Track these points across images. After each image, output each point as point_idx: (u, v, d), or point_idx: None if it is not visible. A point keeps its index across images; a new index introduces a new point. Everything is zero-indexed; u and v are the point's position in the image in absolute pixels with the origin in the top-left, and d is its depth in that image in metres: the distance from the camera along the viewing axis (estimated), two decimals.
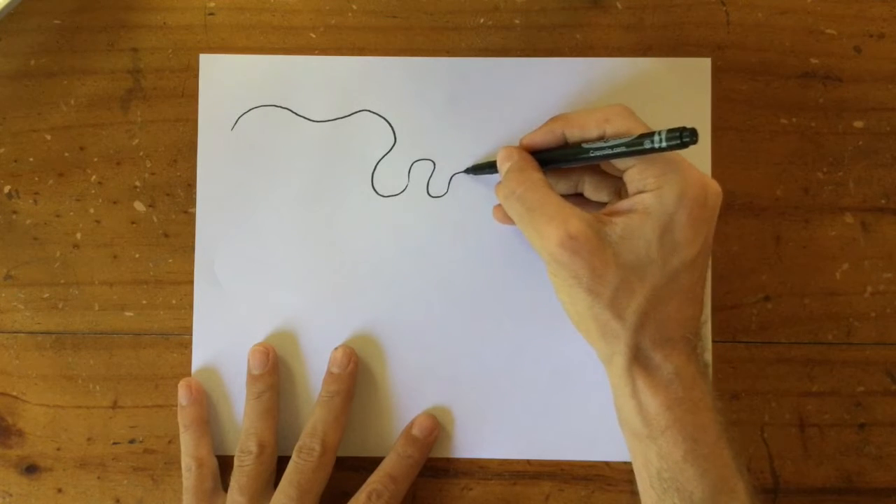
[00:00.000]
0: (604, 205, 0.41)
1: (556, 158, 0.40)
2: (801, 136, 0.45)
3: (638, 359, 0.37)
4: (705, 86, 0.44)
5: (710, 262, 0.39)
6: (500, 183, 0.40)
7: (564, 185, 0.42)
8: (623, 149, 0.36)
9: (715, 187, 0.37)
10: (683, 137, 0.34)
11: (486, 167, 0.43)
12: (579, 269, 0.36)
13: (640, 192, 0.37)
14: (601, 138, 0.38)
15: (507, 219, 0.41)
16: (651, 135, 0.35)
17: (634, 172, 0.37)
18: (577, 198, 0.42)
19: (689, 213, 0.36)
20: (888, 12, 0.45)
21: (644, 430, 0.37)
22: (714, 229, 0.38)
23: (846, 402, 0.44)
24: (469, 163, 0.44)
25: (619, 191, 0.40)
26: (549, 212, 0.37)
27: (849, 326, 0.45)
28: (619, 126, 0.37)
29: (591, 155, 0.38)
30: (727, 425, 0.37)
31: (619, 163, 0.38)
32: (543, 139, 0.40)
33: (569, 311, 0.38)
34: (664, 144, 0.35)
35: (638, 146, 0.36)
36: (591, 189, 0.41)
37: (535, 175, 0.39)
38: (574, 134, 0.39)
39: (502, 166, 0.40)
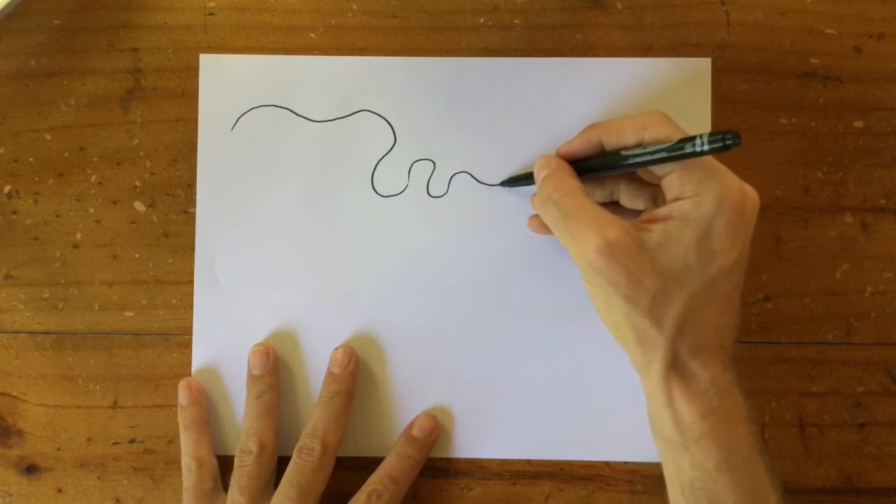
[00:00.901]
0: (640, 213, 0.40)
1: (594, 167, 0.40)
2: (801, 136, 0.45)
3: (675, 367, 0.36)
4: (705, 86, 0.44)
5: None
6: (536, 191, 0.40)
7: (600, 194, 0.42)
8: (663, 154, 0.36)
9: (753, 194, 0.37)
10: (726, 140, 0.34)
11: (522, 178, 0.43)
12: (616, 276, 0.36)
13: (679, 198, 0.36)
14: (639, 145, 0.38)
15: (543, 228, 0.41)
16: (692, 139, 0.35)
17: (673, 179, 0.37)
18: (612, 206, 0.42)
19: (728, 220, 0.36)
20: (888, 12, 0.45)
21: (678, 439, 0.37)
22: (751, 236, 0.37)
23: (846, 402, 0.44)
24: (469, 164, 0.44)
25: (656, 198, 0.40)
26: (586, 218, 0.37)
27: (849, 326, 0.45)
28: (657, 132, 0.37)
29: (630, 162, 0.37)
30: (761, 436, 0.37)
31: (657, 169, 0.37)
32: (581, 148, 0.40)
33: (605, 319, 0.38)
34: (706, 147, 0.34)
35: (679, 150, 0.35)
36: (628, 197, 0.41)
37: (572, 182, 0.39)
38: (611, 142, 0.39)
39: (539, 174, 0.40)
